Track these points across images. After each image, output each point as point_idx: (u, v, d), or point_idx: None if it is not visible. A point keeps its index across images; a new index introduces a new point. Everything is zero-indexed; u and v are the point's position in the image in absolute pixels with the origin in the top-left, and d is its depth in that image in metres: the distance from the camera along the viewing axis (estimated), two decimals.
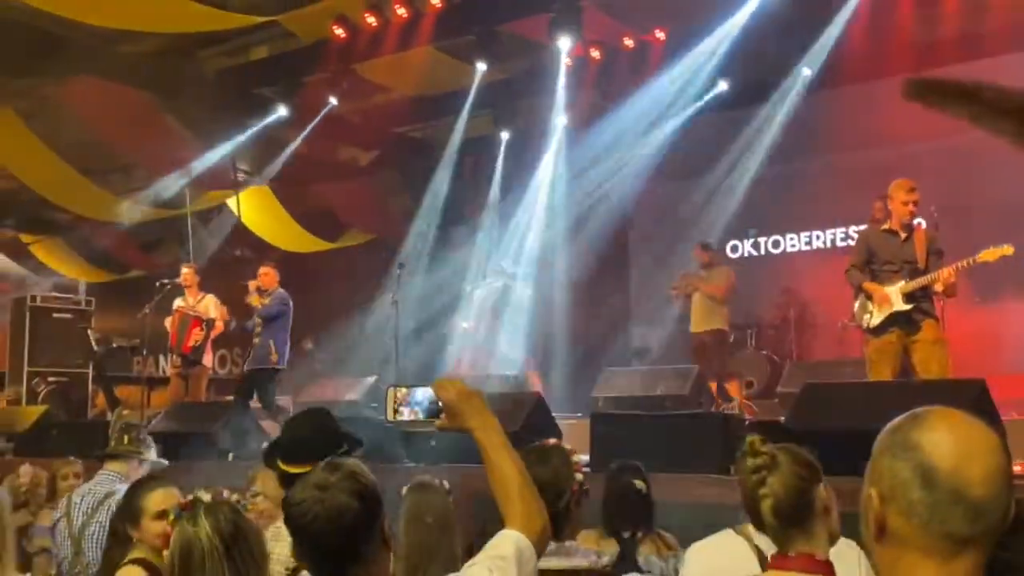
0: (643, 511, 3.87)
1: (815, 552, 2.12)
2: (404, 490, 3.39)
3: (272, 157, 12.52)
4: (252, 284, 9.32)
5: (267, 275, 9.42)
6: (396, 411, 2.20)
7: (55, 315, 12.16)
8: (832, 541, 2.20)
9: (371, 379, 10.05)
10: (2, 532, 2.15)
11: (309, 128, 12.07)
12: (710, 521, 3.01)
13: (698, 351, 9.94)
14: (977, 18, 9.36)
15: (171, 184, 12.39)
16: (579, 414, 8.38)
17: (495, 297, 10.80)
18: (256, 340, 9.09)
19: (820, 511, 2.17)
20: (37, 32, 9.98)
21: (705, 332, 9.92)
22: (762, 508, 2.13)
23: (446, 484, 3.55)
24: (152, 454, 4.78)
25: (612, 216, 12.27)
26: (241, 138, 12.08)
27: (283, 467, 2.88)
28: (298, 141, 12.33)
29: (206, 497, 2.36)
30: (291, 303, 9.58)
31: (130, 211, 13.25)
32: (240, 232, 13.97)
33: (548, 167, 12.59)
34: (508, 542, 1.93)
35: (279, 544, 2.92)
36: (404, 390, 2.21)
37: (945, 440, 1.30)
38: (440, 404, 2.08)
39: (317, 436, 2.88)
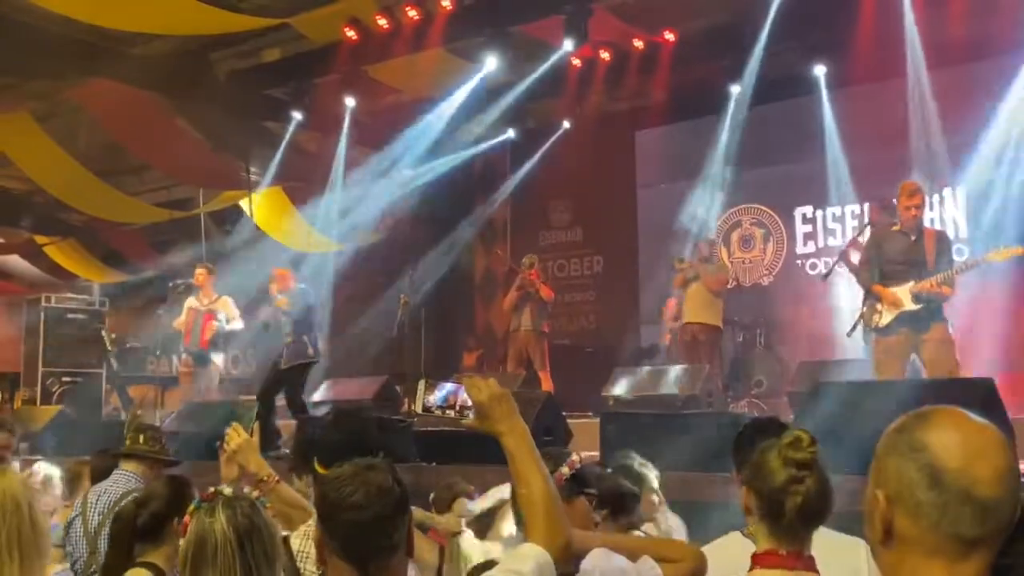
0: (634, 507, 3.69)
1: (801, 550, 2.09)
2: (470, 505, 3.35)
3: (284, 158, 12.56)
4: (273, 288, 9.32)
5: (284, 277, 9.43)
6: (426, 406, 2.18)
7: (69, 316, 12.26)
8: None
9: (382, 378, 10.09)
10: (28, 525, 2.17)
11: (342, 137, 12.09)
12: (720, 521, 3.01)
13: (690, 345, 9.95)
14: (985, 19, 9.34)
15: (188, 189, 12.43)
16: (589, 413, 8.41)
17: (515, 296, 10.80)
18: (288, 339, 9.08)
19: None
20: (51, 36, 10.04)
21: (698, 324, 9.93)
22: (788, 504, 2.07)
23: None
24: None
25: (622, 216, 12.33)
26: (267, 149, 12.17)
27: (319, 469, 2.83)
28: (318, 148, 12.30)
29: (227, 491, 2.40)
30: (313, 296, 9.67)
31: (144, 212, 13.33)
32: (253, 233, 14.04)
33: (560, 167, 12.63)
34: (529, 558, 1.89)
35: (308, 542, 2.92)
36: (438, 385, 2.18)
37: (953, 439, 1.28)
38: (469, 404, 2.05)
39: (354, 439, 2.84)
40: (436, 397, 2.15)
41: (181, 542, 2.39)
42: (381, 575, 1.94)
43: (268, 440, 7.08)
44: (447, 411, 2.13)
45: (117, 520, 3.04)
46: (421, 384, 2.17)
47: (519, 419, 2.03)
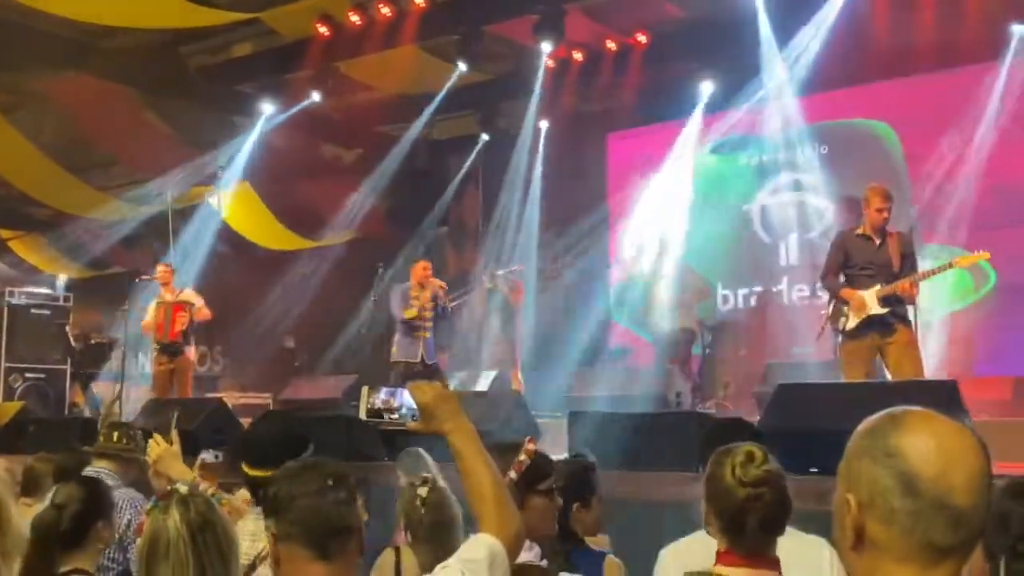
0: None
1: (765, 551, 2.13)
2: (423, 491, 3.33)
3: (254, 154, 12.48)
4: (429, 280, 9.24)
5: (426, 268, 9.35)
6: (370, 411, 2.22)
7: (33, 311, 12.09)
8: None
9: (351, 377, 10.04)
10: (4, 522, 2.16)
11: (285, 116, 12.03)
12: (685, 520, 3.02)
13: (666, 348, 10.12)
14: (952, 27, 9.47)
15: (156, 184, 12.33)
16: (558, 413, 8.42)
17: (486, 296, 10.81)
18: (426, 334, 9.00)
19: None
20: (19, 27, 9.93)
21: (673, 330, 10.07)
22: (749, 521, 2.11)
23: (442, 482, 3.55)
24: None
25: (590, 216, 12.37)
26: (233, 141, 12.08)
27: (247, 470, 2.86)
28: (286, 144, 12.28)
29: (183, 489, 2.39)
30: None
31: (111, 208, 13.20)
32: (222, 230, 13.94)
33: (533, 168, 12.65)
34: (481, 546, 1.94)
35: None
36: (379, 391, 2.23)
37: (928, 445, 1.25)
38: (414, 407, 2.10)
39: (279, 439, 2.85)
40: (381, 403, 2.20)
41: (139, 541, 2.39)
42: (340, 559, 1.97)
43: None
44: (392, 415, 2.18)
45: (38, 529, 2.94)
46: (364, 391, 2.21)
47: (464, 418, 2.08)
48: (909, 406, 1.31)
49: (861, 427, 1.32)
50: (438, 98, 11.70)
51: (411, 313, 9.06)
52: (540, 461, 3.06)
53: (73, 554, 2.98)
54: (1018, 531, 2.05)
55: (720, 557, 2.12)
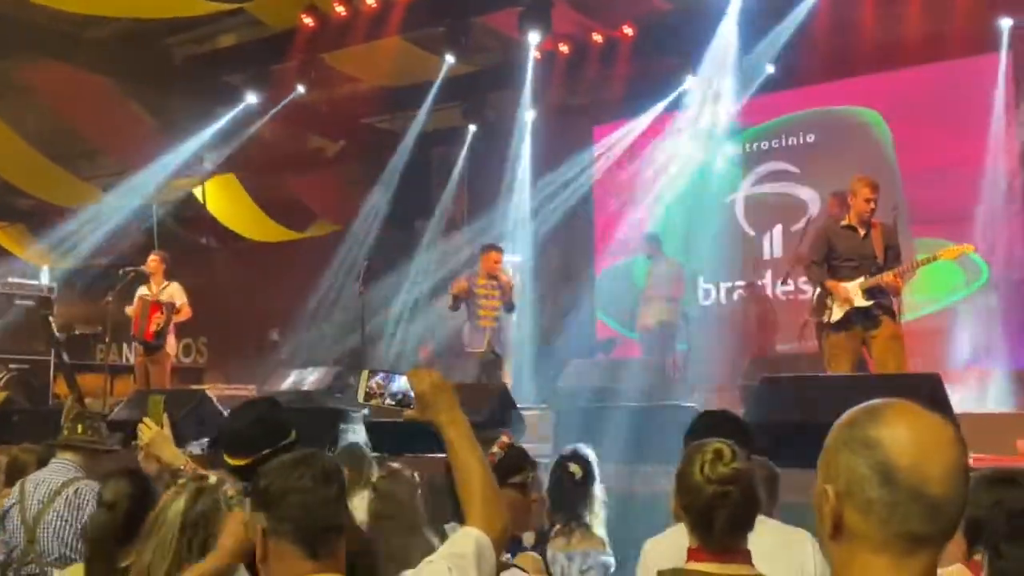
0: (576, 498, 3.70)
1: (736, 546, 2.13)
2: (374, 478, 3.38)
3: (239, 145, 12.43)
4: (498, 272, 8.87)
5: (497, 260, 8.93)
6: (367, 394, 2.19)
7: (17, 302, 12.00)
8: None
9: (335, 369, 10.02)
10: None
11: (271, 113, 11.98)
12: (669, 512, 3.03)
13: (647, 343, 10.16)
14: (940, 20, 9.51)
15: (141, 176, 12.27)
16: (544, 405, 8.42)
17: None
18: (491, 323, 8.79)
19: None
20: (3, 17, 9.85)
21: (654, 324, 10.09)
22: (717, 519, 2.12)
23: (416, 476, 3.53)
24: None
25: (576, 208, 12.39)
26: (211, 129, 12.00)
27: (227, 460, 2.81)
28: (258, 125, 12.21)
29: (212, 480, 2.46)
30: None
31: (95, 198, 13.12)
32: (207, 221, 13.90)
33: (519, 160, 12.64)
34: (468, 540, 1.93)
35: None
36: (377, 374, 2.20)
37: (905, 436, 1.27)
38: (411, 394, 2.07)
39: (258, 427, 2.79)
40: (378, 387, 2.17)
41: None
42: (328, 558, 1.96)
43: None
44: (388, 401, 2.15)
45: (93, 531, 3.04)
46: (364, 374, 2.18)
47: (459, 410, 2.07)
48: (888, 398, 1.33)
49: (840, 419, 1.35)
50: (434, 89, 11.64)
51: (460, 286, 8.85)
52: (514, 454, 3.05)
53: (129, 549, 3.01)
54: (1003, 528, 2.07)
55: (691, 554, 2.13)
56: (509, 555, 2.82)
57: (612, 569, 3.62)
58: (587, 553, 3.54)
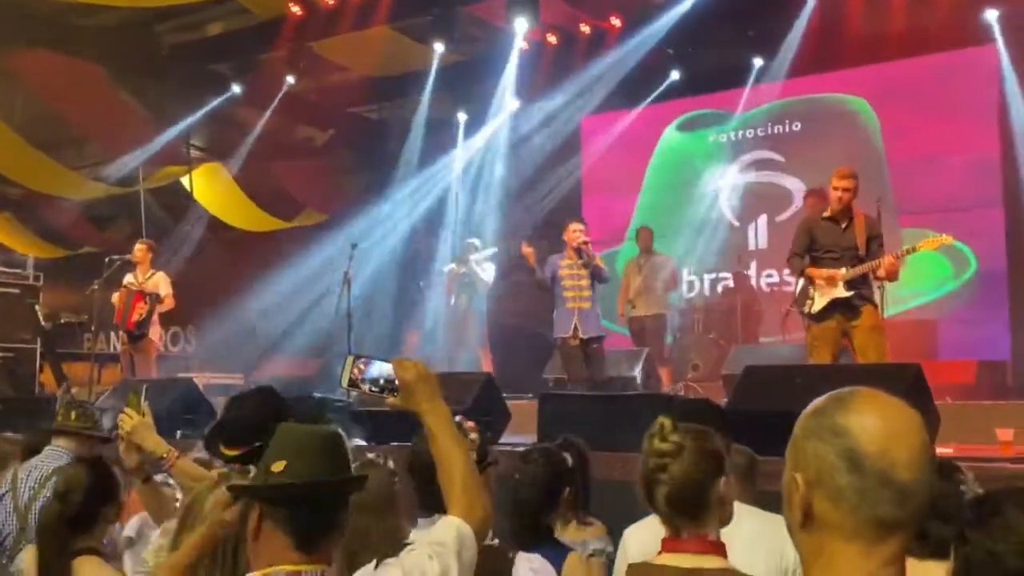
0: (571, 487, 3.60)
1: (707, 533, 2.04)
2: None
3: (226, 134, 12.41)
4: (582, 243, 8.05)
5: (576, 230, 8.12)
6: (352, 380, 2.19)
7: (2, 290, 11.98)
8: (722, 525, 2.10)
9: (323, 358, 10.03)
10: None
11: (269, 111, 11.97)
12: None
13: (638, 334, 10.19)
14: (926, 13, 9.56)
15: (127, 162, 12.22)
16: (529, 394, 8.45)
17: (459, 278, 10.77)
18: (582, 304, 7.97)
19: (714, 503, 2.05)
20: None
21: (647, 316, 10.13)
22: (656, 494, 2.03)
23: (391, 463, 3.54)
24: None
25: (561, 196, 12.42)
26: (196, 116, 11.98)
27: (224, 451, 2.83)
28: (259, 125, 12.21)
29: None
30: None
31: (82, 187, 13.08)
32: (195, 210, 13.86)
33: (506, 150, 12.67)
34: (450, 529, 1.96)
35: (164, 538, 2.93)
36: (360, 360, 2.20)
37: (872, 423, 1.28)
38: (395, 382, 2.09)
39: (259, 415, 2.76)
40: (363, 373, 2.17)
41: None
42: (318, 554, 1.96)
43: None
44: (372, 388, 2.16)
45: (44, 519, 3.10)
46: (349, 360, 2.19)
47: (441, 400, 2.09)
48: (855, 387, 1.34)
49: (808, 408, 1.35)
50: (430, 79, 11.63)
51: (527, 249, 8.29)
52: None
53: (82, 536, 3.14)
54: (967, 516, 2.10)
55: (664, 544, 2.06)
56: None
57: (611, 551, 3.59)
58: (586, 542, 3.52)
